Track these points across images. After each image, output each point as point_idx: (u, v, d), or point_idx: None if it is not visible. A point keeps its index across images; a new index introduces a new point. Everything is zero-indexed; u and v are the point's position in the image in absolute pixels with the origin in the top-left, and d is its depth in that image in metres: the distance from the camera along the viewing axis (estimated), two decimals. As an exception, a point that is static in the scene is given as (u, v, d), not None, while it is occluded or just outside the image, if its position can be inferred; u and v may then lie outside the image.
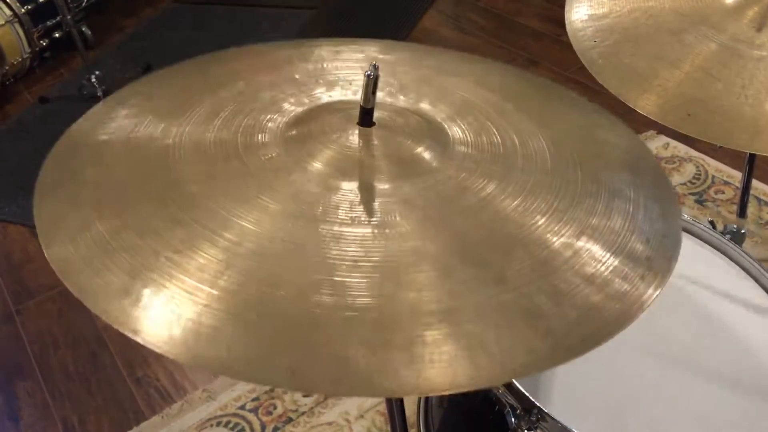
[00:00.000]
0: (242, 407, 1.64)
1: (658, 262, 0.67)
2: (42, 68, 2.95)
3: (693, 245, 1.10)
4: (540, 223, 0.67)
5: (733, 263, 1.07)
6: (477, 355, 0.56)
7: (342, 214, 0.65)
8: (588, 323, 0.60)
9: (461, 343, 0.56)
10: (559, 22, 1.10)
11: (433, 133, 0.76)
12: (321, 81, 0.85)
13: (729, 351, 0.95)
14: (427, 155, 0.73)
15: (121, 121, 0.77)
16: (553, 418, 0.82)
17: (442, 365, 0.55)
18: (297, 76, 0.85)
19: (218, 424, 1.61)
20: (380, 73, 0.69)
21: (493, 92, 0.87)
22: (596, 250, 0.66)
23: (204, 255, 0.60)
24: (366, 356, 0.55)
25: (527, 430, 0.85)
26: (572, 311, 0.60)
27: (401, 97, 0.83)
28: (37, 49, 2.83)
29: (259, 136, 0.74)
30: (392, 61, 0.91)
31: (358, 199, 0.66)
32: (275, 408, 1.64)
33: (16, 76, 2.81)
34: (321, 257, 0.61)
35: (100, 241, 0.62)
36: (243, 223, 0.63)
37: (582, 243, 0.66)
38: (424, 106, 0.81)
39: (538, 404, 0.83)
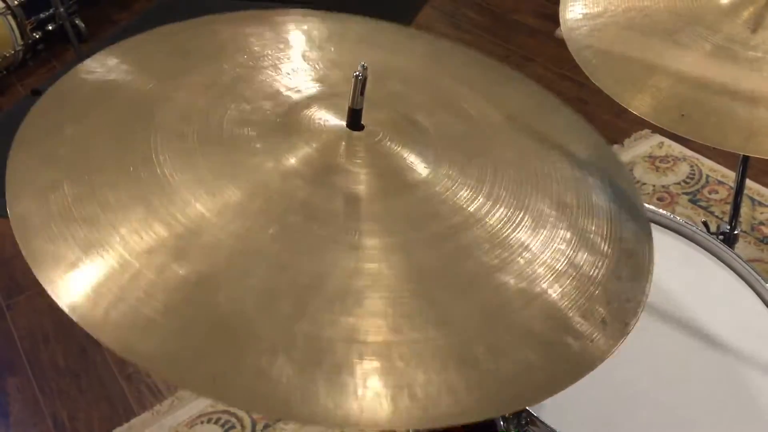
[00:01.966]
0: (233, 404, 1.63)
1: (613, 327, 0.62)
2: (35, 61, 2.92)
3: (686, 248, 1.09)
4: (502, 264, 0.63)
5: (726, 267, 1.06)
6: (401, 396, 0.53)
7: (305, 222, 0.62)
8: (521, 382, 0.57)
9: (388, 381, 0.54)
10: (555, 19, 1.09)
11: (420, 146, 0.72)
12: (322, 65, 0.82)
13: (720, 357, 0.94)
14: (409, 172, 0.69)
15: (115, 76, 0.75)
16: (542, 422, 0.82)
17: (364, 400, 0.52)
18: (299, 56, 0.83)
19: (209, 420, 1.60)
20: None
21: (495, 107, 0.84)
22: (552, 303, 0.62)
23: (157, 239, 0.58)
24: (290, 376, 0.52)
25: (516, 433, 0.85)
26: (508, 367, 0.57)
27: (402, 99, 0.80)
28: (30, 41, 2.80)
29: (246, 123, 0.71)
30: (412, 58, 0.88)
31: (327, 207, 0.63)
32: (266, 405, 1.63)
33: (8, 69, 2.79)
34: (270, 264, 0.58)
35: (63, 205, 0.60)
36: (205, 213, 0.60)
37: (538, 292, 0.62)
38: (423, 115, 0.78)
39: (527, 407, 0.83)
